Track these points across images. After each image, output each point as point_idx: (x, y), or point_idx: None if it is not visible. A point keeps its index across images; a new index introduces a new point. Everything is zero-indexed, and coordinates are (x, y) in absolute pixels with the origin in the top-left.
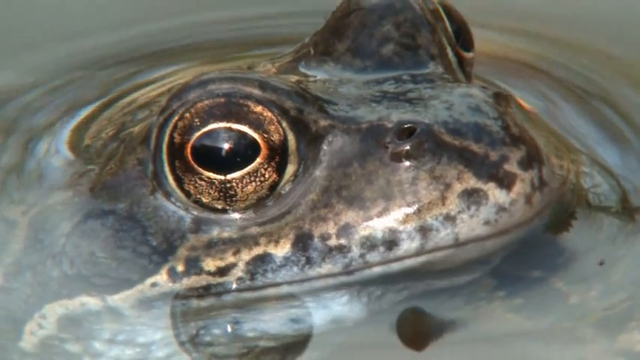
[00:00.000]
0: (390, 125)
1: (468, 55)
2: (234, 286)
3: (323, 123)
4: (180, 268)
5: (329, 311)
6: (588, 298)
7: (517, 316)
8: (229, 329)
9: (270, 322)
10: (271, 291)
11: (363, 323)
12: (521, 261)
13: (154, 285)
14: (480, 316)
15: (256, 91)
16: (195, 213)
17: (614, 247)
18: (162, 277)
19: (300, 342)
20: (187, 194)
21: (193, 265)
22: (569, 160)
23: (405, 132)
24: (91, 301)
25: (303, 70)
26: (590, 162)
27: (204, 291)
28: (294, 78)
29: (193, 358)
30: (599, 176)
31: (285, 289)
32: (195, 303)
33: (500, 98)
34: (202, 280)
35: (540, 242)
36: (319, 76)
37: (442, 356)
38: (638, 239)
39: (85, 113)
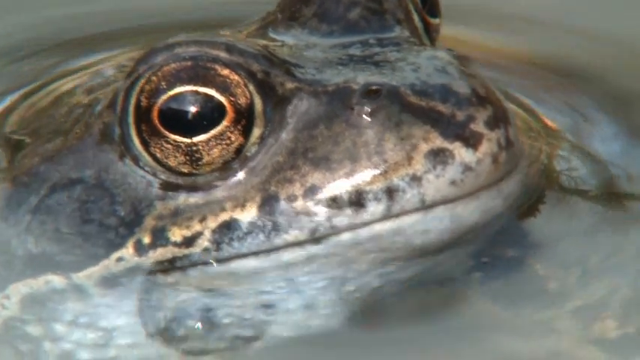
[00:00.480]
0: (356, 87)
1: (435, 21)
2: (199, 258)
3: (289, 85)
4: (146, 239)
5: (302, 296)
6: (567, 285)
7: (494, 306)
8: (195, 305)
9: (243, 309)
10: (238, 264)
11: (335, 310)
12: (497, 242)
13: (119, 260)
14: (455, 304)
15: (223, 54)
16: (163, 177)
17: (594, 232)
18: (128, 251)
19: (274, 330)
20: (154, 158)
21: (160, 236)
22: (544, 141)
23: (372, 94)
24: (56, 279)
25: (270, 35)
26: (571, 148)
27: (170, 265)
28: (261, 42)
29: (157, 344)
30: (578, 160)
31: (252, 263)
32: (161, 279)
33: (467, 60)
34: (168, 253)
35: (514, 224)
36: (286, 40)
37: (417, 343)
38: (619, 225)
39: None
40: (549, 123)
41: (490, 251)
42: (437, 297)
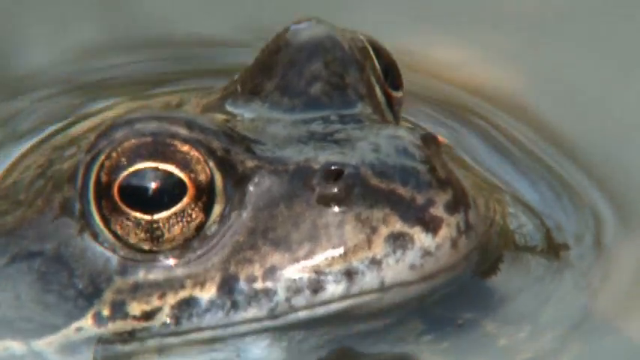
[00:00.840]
0: (316, 167)
1: (397, 94)
2: (159, 330)
3: (250, 164)
4: (105, 312)
5: (252, 354)
6: (517, 341)
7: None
8: None
9: None
10: (196, 336)
11: None
12: (450, 304)
13: (79, 329)
14: None
15: (183, 131)
16: (122, 254)
17: (543, 287)
18: (87, 322)
19: None
20: (114, 235)
21: (119, 310)
22: (495, 200)
23: (332, 174)
24: (15, 346)
25: (230, 108)
26: (512, 201)
27: (129, 336)
28: (221, 117)
29: None
30: (524, 215)
31: (209, 334)
32: (119, 348)
33: (428, 140)
34: (127, 325)
35: (469, 285)
36: (247, 114)
37: None
38: (563, 277)
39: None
40: (479, 171)
41: (442, 313)
42: (388, 355)
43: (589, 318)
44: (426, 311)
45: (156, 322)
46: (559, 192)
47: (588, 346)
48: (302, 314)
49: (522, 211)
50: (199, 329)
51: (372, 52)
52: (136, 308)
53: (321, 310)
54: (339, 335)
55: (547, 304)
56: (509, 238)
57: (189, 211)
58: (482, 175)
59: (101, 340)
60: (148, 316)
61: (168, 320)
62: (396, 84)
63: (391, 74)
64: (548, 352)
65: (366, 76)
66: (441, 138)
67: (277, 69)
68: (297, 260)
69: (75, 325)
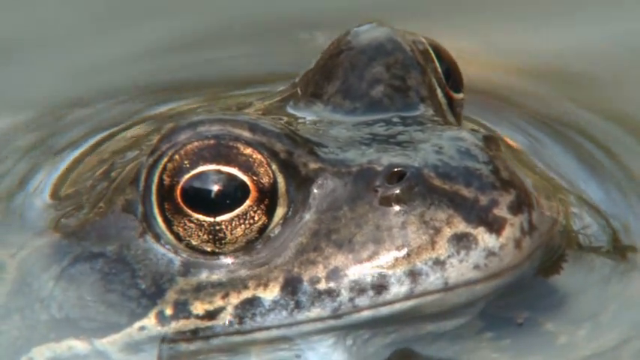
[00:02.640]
0: (379, 169)
1: (458, 95)
2: (222, 329)
3: (313, 166)
4: (168, 311)
5: (316, 353)
6: (577, 339)
7: (503, 356)
8: None
9: None
10: (260, 335)
11: None
12: (511, 303)
13: (142, 329)
14: (465, 358)
15: (246, 133)
16: (185, 256)
17: (607, 288)
18: (150, 321)
19: None
20: (177, 236)
21: (182, 309)
22: (558, 200)
23: (395, 176)
24: (79, 345)
25: (292, 111)
26: (578, 202)
27: (193, 335)
28: (283, 119)
29: None
30: (589, 216)
31: (273, 333)
32: (183, 347)
33: (490, 141)
34: (191, 324)
35: (531, 284)
36: (308, 117)
37: None
38: (629, 279)
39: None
40: (545, 171)
41: (502, 312)
42: (448, 352)
43: None
44: (486, 309)
45: (219, 322)
46: (626, 191)
47: None
48: (365, 314)
49: (587, 212)
50: (263, 328)
51: (433, 54)
52: (199, 308)
53: (384, 310)
54: (401, 334)
55: (610, 305)
56: (573, 238)
57: (252, 214)
58: (548, 175)
59: (164, 339)
60: (211, 315)
61: (231, 319)
62: (457, 85)
63: (452, 76)
64: (607, 353)
65: (428, 78)
66: (510, 141)
67: (339, 71)
68: (360, 261)
69: (138, 324)
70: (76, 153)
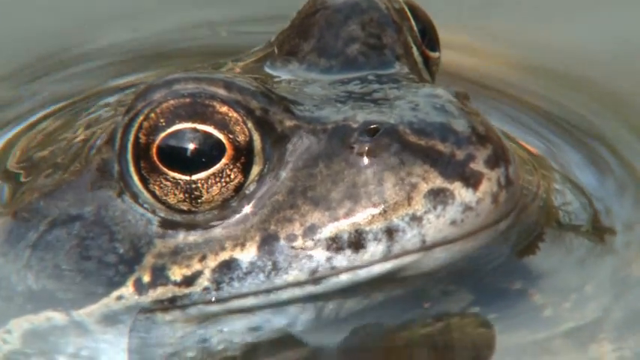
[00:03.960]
0: (355, 125)
1: (434, 54)
2: (200, 297)
3: (288, 123)
4: (146, 278)
5: (292, 323)
6: (561, 310)
7: (489, 330)
8: (195, 344)
9: (236, 336)
10: (237, 303)
11: (329, 334)
12: (496, 276)
13: (119, 298)
14: (450, 332)
15: (221, 91)
16: (162, 215)
17: (586, 263)
18: (128, 290)
19: (263, 350)
20: (153, 195)
21: (160, 275)
22: (540, 175)
23: (371, 132)
24: (57, 316)
25: (268, 70)
26: (562, 179)
27: (170, 303)
28: (259, 78)
29: None
30: (571, 194)
31: (251, 301)
32: (160, 317)
33: (464, 98)
34: (168, 292)
35: (512, 259)
36: (284, 76)
37: None
38: (606, 257)
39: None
40: (530, 149)
41: (488, 286)
42: (433, 326)
43: (631, 289)
44: (471, 283)
45: (197, 288)
46: (618, 178)
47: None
48: (344, 277)
49: (570, 190)
50: (241, 295)
51: (409, 13)
52: (176, 273)
53: (362, 273)
54: (383, 305)
55: (590, 281)
56: (553, 214)
57: (228, 172)
58: (534, 152)
59: (142, 309)
60: (189, 281)
61: (209, 285)
62: (433, 45)
63: (428, 35)
64: (592, 322)
65: (403, 37)
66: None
67: (314, 30)
68: (337, 218)
69: (116, 293)
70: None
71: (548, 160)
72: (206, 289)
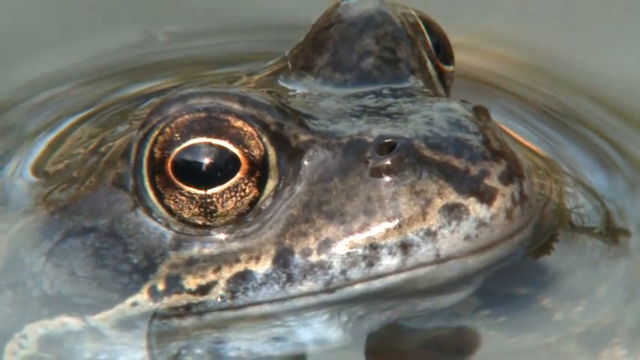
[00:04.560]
0: (370, 140)
1: (448, 68)
2: (215, 304)
3: (303, 138)
4: (161, 286)
5: (310, 330)
6: (573, 315)
7: (500, 333)
8: (211, 349)
9: (252, 342)
10: (252, 310)
11: (346, 343)
12: (507, 279)
13: (134, 304)
14: (462, 335)
15: (236, 106)
16: (177, 229)
17: (598, 266)
18: (142, 297)
19: None
20: (168, 210)
21: (174, 284)
22: (552, 179)
23: (386, 147)
24: (72, 321)
25: (282, 83)
26: (574, 183)
27: (185, 310)
28: (274, 92)
29: None
30: (583, 197)
31: (266, 308)
32: (176, 322)
33: (480, 112)
34: (183, 299)
35: (524, 260)
36: (299, 90)
37: None
38: (620, 259)
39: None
40: (540, 153)
41: (498, 289)
42: (444, 330)
43: None
44: (482, 286)
45: (212, 296)
46: (629, 179)
47: None
48: (358, 287)
49: (582, 193)
50: (255, 303)
51: (423, 27)
52: (191, 282)
53: (377, 284)
54: (395, 311)
55: (603, 283)
56: (565, 216)
57: (243, 186)
58: (545, 156)
59: (157, 315)
60: (204, 290)
61: (223, 294)
62: (448, 59)
63: (442, 49)
64: (605, 327)
65: (418, 51)
66: (505, 127)
67: (329, 44)
68: (351, 233)
69: (130, 299)
70: (54, 134)
71: (560, 163)
72: (221, 297)
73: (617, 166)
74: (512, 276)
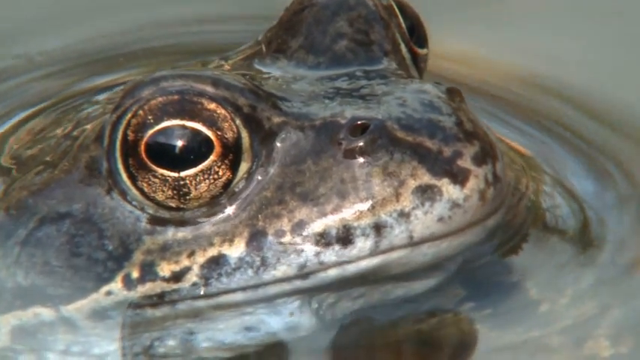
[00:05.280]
0: (343, 122)
1: (422, 51)
2: (188, 292)
3: (276, 120)
4: (135, 274)
5: (282, 318)
6: (558, 307)
7: (484, 326)
8: (184, 339)
9: (224, 331)
10: (225, 298)
11: (321, 335)
12: (492, 271)
13: (108, 293)
14: (445, 328)
15: (209, 89)
16: (151, 212)
17: (567, 269)
18: (117, 285)
19: (255, 351)
20: (142, 192)
21: (148, 271)
22: (529, 175)
23: (358, 128)
24: (45, 312)
25: (256, 67)
26: (552, 183)
27: (159, 299)
28: (247, 75)
29: None
30: (560, 198)
31: (239, 297)
32: (149, 312)
33: (454, 93)
34: (157, 287)
35: (507, 254)
36: (272, 72)
37: None
38: (588, 268)
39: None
40: (522, 150)
41: (481, 281)
42: (426, 323)
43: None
44: (466, 278)
45: (185, 284)
46: (622, 193)
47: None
48: (332, 272)
49: (560, 194)
50: (229, 291)
51: (396, 9)
52: (165, 269)
53: (351, 268)
54: (373, 301)
55: (586, 275)
56: (540, 215)
57: (216, 169)
58: (526, 154)
59: (131, 305)
60: (178, 277)
61: (197, 280)
62: (421, 41)
63: (416, 31)
64: (586, 320)
65: (391, 33)
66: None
67: (302, 27)
68: (325, 214)
69: (104, 288)
70: (6, 125)
71: (541, 163)
72: (194, 284)
73: (612, 178)
74: (497, 267)
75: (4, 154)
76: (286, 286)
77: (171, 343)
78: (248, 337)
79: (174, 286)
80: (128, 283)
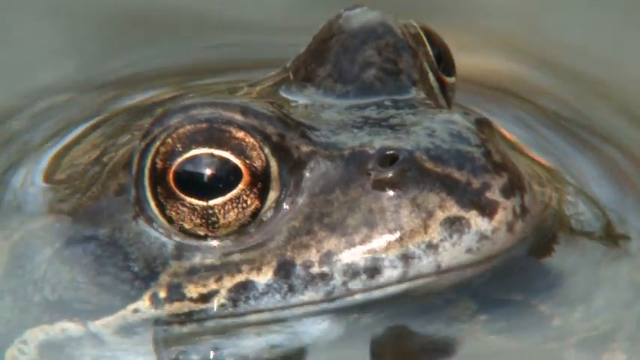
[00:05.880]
0: (371, 152)
1: (450, 79)
2: (216, 312)
3: (305, 149)
4: (162, 294)
5: (309, 336)
6: (571, 320)
7: (498, 338)
8: (208, 355)
9: (251, 348)
10: (253, 317)
11: (344, 346)
12: (504, 284)
13: (135, 311)
14: (460, 339)
15: (238, 117)
16: (178, 239)
17: (597, 271)
18: (144, 303)
19: None
20: (169, 220)
21: (175, 292)
22: (553, 187)
23: (387, 159)
24: (72, 327)
25: (284, 94)
26: (575, 191)
27: (186, 317)
28: (275, 103)
29: None
30: (583, 205)
31: (266, 316)
32: (176, 329)
33: (483, 124)
34: (184, 307)
35: (523, 266)
36: (301, 101)
37: None
38: (620, 264)
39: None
40: (543, 162)
41: (496, 294)
42: (443, 334)
43: None
44: (479, 291)
45: (213, 304)
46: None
47: None
48: (358, 297)
49: (583, 201)
50: (257, 311)
51: (424, 38)
52: (192, 291)
53: (377, 293)
54: (394, 315)
55: (602, 288)
56: (565, 222)
57: (245, 198)
58: (547, 165)
59: (158, 322)
60: (205, 298)
61: (225, 302)
62: (449, 69)
63: (444, 60)
64: (601, 333)
65: (419, 62)
66: (506, 133)
67: (330, 55)
68: (353, 245)
69: (132, 306)
70: (64, 141)
71: (563, 173)
72: (222, 305)
73: (629, 180)
74: (510, 280)
75: (60, 169)
76: (313, 308)
77: (196, 357)
78: (273, 354)
79: (202, 306)
80: (155, 301)
